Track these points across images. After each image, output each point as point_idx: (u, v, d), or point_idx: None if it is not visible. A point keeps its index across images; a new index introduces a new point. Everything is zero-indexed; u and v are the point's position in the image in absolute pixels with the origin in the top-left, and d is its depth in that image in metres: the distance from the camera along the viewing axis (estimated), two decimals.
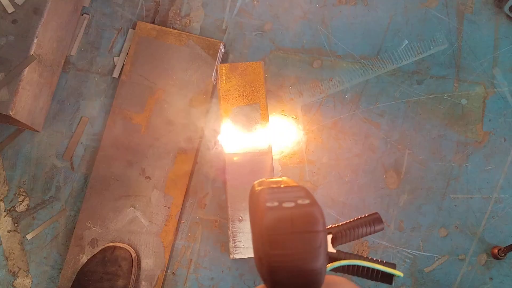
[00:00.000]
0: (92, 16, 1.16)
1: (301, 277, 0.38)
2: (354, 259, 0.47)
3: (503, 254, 1.05)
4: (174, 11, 1.16)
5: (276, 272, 0.38)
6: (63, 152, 1.10)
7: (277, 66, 1.14)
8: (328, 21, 1.15)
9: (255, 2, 1.16)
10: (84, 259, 1.04)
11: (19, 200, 1.08)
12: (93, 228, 1.05)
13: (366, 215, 0.52)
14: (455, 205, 1.09)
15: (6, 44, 0.97)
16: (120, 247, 1.01)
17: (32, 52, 0.97)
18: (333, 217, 1.08)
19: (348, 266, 0.48)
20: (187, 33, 1.13)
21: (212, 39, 1.12)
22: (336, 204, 1.09)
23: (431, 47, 1.14)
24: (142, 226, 1.06)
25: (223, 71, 1.05)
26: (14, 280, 1.06)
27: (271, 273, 0.38)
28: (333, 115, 1.12)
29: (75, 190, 1.09)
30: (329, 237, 0.49)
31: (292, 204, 0.39)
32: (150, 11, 1.16)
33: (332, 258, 0.48)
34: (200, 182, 1.10)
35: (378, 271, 0.47)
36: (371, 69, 1.14)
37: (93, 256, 1.00)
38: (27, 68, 0.97)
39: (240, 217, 1.00)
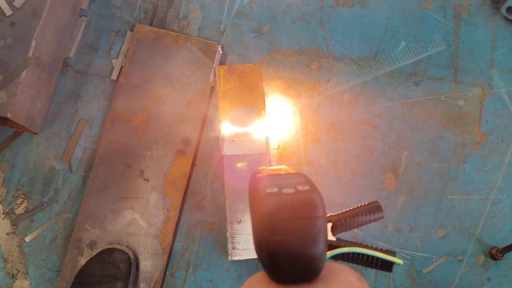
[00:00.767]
0: (90, 18, 1.16)
1: (300, 262, 0.38)
2: (354, 246, 0.47)
3: (501, 255, 1.05)
4: (172, 13, 1.16)
5: (276, 258, 0.38)
6: (62, 154, 1.11)
7: (275, 68, 1.14)
8: (326, 22, 1.16)
9: (253, 4, 1.16)
10: (82, 261, 1.04)
11: (18, 202, 1.09)
12: (91, 230, 1.05)
13: (366, 203, 0.52)
14: (453, 206, 1.09)
15: (4, 47, 0.97)
16: (118, 249, 1.01)
17: (30, 55, 0.97)
18: None
19: (348, 253, 0.48)
20: (185, 35, 1.13)
21: (210, 41, 1.12)
22: (334, 205, 1.09)
23: (429, 49, 1.14)
24: (140, 228, 1.06)
25: (221, 73, 1.05)
26: (13, 282, 1.06)
27: (271, 258, 0.38)
28: (331, 117, 1.12)
29: (73, 192, 1.09)
30: (329, 225, 0.49)
31: (292, 190, 0.39)
32: (148, 13, 1.16)
33: (331, 246, 0.48)
34: (199, 184, 1.10)
35: (378, 258, 0.47)
36: (369, 71, 1.14)
37: (92, 258, 1.00)
38: (25, 71, 0.97)
39: (239, 219, 1.00)
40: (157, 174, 1.08)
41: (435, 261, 1.07)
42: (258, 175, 0.45)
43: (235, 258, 0.99)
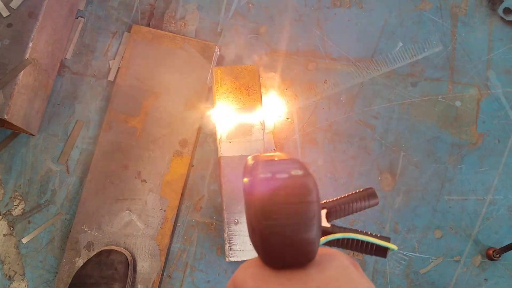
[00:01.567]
0: (87, 19, 1.16)
1: (294, 247, 0.37)
2: (348, 232, 0.47)
3: (498, 256, 1.05)
4: (169, 14, 1.16)
5: (269, 243, 0.37)
6: (59, 155, 1.10)
7: (272, 68, 1.14)
8: (323, 23, 1.16)
9: (250, 5, 1.16)
10: (80, 262, 1.04)
11: (15, 204, 1.08)
12: (88, 231, 1.05)
13: (361, 189, 0.51)
14: (450, 207, 1.09)
15: (1, 48, 0.97)
16: (116, 250, 1.01)
17: (27, 56, 0.97)
18: None
19: (342, 239, 0.47)
20: (182, 36, 1.13)
21: (208, 42, 1.12)
22: None
23: (426, 50, 1.15)
24: (138, 229, 1.06)
25: (219, 74, 1.05)
26: (10, 284, 1.06)
27: (264, 243, 0.38)
28: (328, 118, 1.12)
29: (70, 193, 1.09)
30: (324, 212, 0.49)
31: (286, 175, 0.39)
32: (145, 14, 1.16)
33: (326, 232, 0.47)
34: (196, 185, 1.10)
35: (372, 244, 0.47)
36: (366, 72, 1.14)
37: (89, 260, 1.00)
38: (22, 72, 0.97)
39: (236, 220, 1.00)
40: (154, 175, 1.08)
41: (432, 261, 1.08)
42: (252, 161, 0.45)
43: (233, 259, 0.99)
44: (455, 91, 1.13)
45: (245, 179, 0.43)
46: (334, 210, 0.49)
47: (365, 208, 0.51)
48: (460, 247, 1.08)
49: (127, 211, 1.06)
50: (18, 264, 1.07)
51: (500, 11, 1.14)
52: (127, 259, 1.01)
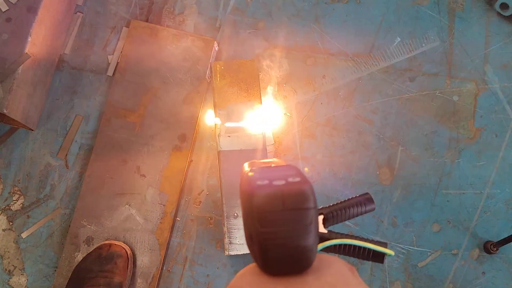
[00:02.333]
0: (85, 14, 1.16)
1: (292, 254, 0.38)
2: (345, 238, 0.47)
3: (496, 249, 1.06)
4: (167, 9, 1.16)
5: (267, 250, 0.37)
6: (58, 150, 1.11)
7: (270, 63, 1.14)
8: (321, 19, 1.16)
9: (249, 0, 1.16)
10: (79, 257, 1.04)
11: (14, 199, 1.08)
12: (88, 226, 1.05)
13: (358, 195, 0.52)
14: (447, 201, 1.10)
15: (0, 42, 0.97)
16: (115, 244, 1.01)
17: (26, 50, 0.97)
18: None
19: (340, 245, 0.48)
20: (181, 31, 1.13)
21: (206, 37, 1.13)
22: (331, 200, 1.09)
23: (423, 45, 1.15)
24: (137, 224, 1.06)
25: (217, 69, 1.05)
26: (10, 278, 1.06)
27: (262, 250, 0.38)
28: (327, 112, 1.13)
29: (70, 188, 1.09)
30: (321, 217, 0.49)
31: (283, 182, 0.39)
32: (144, 9, 1.16)
33: (323, 238, 0.48)
34: (195, 180, 1.10)
35: (369, 250, 0.47)
36: (364, 67, 1.14)
37: (89, 254, 1.00)
38: (21, 66, 0.97)
39: (235, 214, 1.00)
40: (153, 170, 1.08)
41: (430, 255, 1.08)
42: (249, 168, 0.45)
43: (232, 253, 0.99)
44: (453, 85, 1.14)
45: (242, 186, 0.43)
46: (331, 216, 0.50)
47: (361, 213, 0.51)
48: (458, 240, 1.09)
49: (127, 206, 1.06)
50: (17, 259, 1.07)
51: (497, 6, 1.15)
52: (127, 253, 1.01)
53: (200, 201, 1.09)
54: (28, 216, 1.08)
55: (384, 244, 0.47)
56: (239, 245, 1.00)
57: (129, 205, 1.06)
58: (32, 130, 1.09)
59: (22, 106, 1.01)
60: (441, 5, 1.16)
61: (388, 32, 1.16)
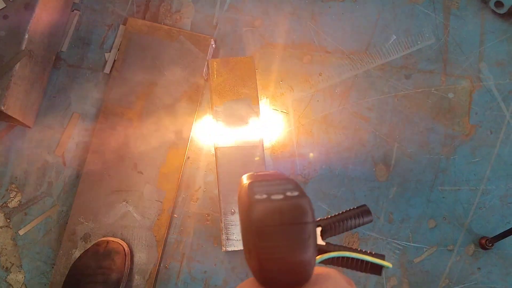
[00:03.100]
0: (82, 12, 1.16)
1: (290, 268, 0.38)
2: (343, 250, 0.48)
3: (491, 244, 1.07)
4: (164, 7, 1.16)
5: (266, 264, 0.38)
6: (55, 147, 1.11)
7: (267, 61, 1.15)
8: (317, 17, 1.17)
9: None
10: (77, 254, 1.04)
11: (11, 196, 1.08)
12: (85, 223, 1.06)
13: (355, 207, 0.52)
14: (443, 197, 1.11)
15: None
16: (113, 241, 1.01)
17: (23, 47, 0.97)
18: (324, 210, 1.09)
19: (338, 258, 0.48)
20: (178, 29, 1.13)
21: (203, 35, 1.13)
22: (327, 197, 1.10)
23: (419, 42, 1.16)
24: (134, 221, 1.06)
25: (214, 66, 1.06)
26: (7, 275, 1.06)
27: (260, 265, 0.38)
28: (323, 110, 1.13)
29: (67, 185, 1.09)
30: (318, 229, 0.50)
31: (281, 196, 0.39)
32: (141, 7, 1.16)
33: (321, 250, 0.48)
34: (192, 177, 1.11)
35: (367, 262, 0.48)
36: (360, 64, 1.15)
37: (86, 251, 1.00)
38: (18, 63, 0.97)
39: (233, 210, 1.01)
40: (150, 167, 1.08)
41: (426, 251, 1.09)
42: (247, 181, 0.45)
43: (229, 249, 1.00)
44: (448, 83, 1.15)
45: (240, 200, 0.43)
46: (329, 227, 0.50)
47: (359, 225, 0.52)
48: (454, 236, 1.10)
49: (124, 203, 1.07)
50: (15, 256, 1.07)
51: (491, 4, 1.16)
52: (124, 250, 1.01)
53: (197, 198, 1.10)
54: (25, 213, 1.08)
55: (381, 257, 0.48)
56: (236, 241, 1.00)
57: (126, 202, 1.07)
58: (29, 127, 1.09)
59: (20, 103, 1.01)
60: (436, 3, 1.17)
61: (384, 30, 1.16)
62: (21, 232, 1.07)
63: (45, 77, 1.10)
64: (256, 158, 1.03)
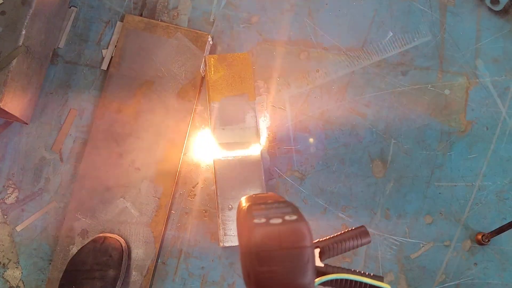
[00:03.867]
0: (80, 8, 1.16)
1: None
2: (342, 272, 0.48)
3: (487, 240, 1.07)
4: (161, 3, 1.16)
5: None
6: (52, 144, 1.11)
7: (264, 57, 1.15)
8: (314, 13, 1.17)
9: None
10: (74, 250, 1.04)
11: (8, 192, 1.08)
12: (83, 219, 1.06)
13: (353, 228, 0.52)
14: (439, 193, 1.11)
15: None
16: (110, 237, 1.01)
17: (20, 43, 0.97)
18: (321, 206, 1.09)
19: (336, 280, 0.48)
20: (175, 26, 1.13)
21: (200, 32, 1.13)
22: (324, 193, 1.10)
23: (415, 39, 1.16)
24: (132, 217, 1.06)
25: (212, 62, 1.06)
26: (4, 271, 1.06)
27: None
28: (320, 106, 1.14)
29: (64, 181, 1.09)
30: (317, 251, 0.50)
31: (280, 221, 0.40)
32: (138, 4, 1.16)
33: (320, 272, 0.48)
34: (190, 173, 1.11)
35: (365, 284, 0.48)
36: (357, 61, 1.16)
37: (83, 247, 1.00)
38: (15, 59, 0.97)
39: (230, 206, 1.01)
40: (148, 163, 1.08)
41: (422, 246, 1.09)
42: (246, 204, 0.45)
43: (227, 244, 1.00)
44: (444, 79, 1.15)
45: (239, 223, 0.43)
46: (327, 249, 0.50)
47: (357, 246, 0.52)
48: (450, 232, 1.10)
49: (121, 199, 1.07)
50: (12, 252, 1.07)
51: (487, 1, 1.16)
52: (122, 246, 1.02)
53: (195, 194, 1.10)
54: (22, 209, 1.08)
55: (380, 278, 0.48)
56: (233, 236, 1.00)
57: (123, 198, 1.07)
58: (27, 123, 1.09)
59: (17, 99, 1.01)
60: (432, 0, 1.18)
61: (381, 27, 1.17)
62: (18, 229, 1.07)
63: (42, 73, 1.10)
64: (253, 154, 1.03)
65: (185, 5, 1.17)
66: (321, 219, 1.09)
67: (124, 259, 1.01)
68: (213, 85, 1.05)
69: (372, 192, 1.11)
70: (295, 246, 0.38)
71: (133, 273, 1.04)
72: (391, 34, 1.17)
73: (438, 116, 1.14)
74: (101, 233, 1.05)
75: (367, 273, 0.48)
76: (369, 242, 0.52)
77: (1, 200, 1.08)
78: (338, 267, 0.48)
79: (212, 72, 1.05)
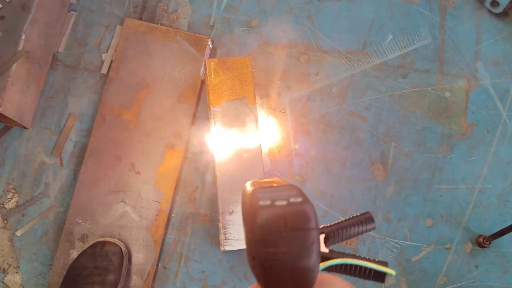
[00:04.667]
0: (79, 12, 1.16)
1: (294, 274, 0.38)
2: (346, 258, 0.48)
3: (488, 243, 1.07)
4: (161, 7, 1.16)
5: (270, 271, 0.38)
6: (52, 148, 1.11)
7: (264, 61, 1.15)
8: (314, 16, 1.17)
9: None
10: (74, 254, 1.04)
11: (8, 197, 1.08)
12: (83, 223, 1.05)
13: (358, 214, 0.52)
14: (440, 196, 1.11)
15: None
16: (110, 242, 1.01)
17: (20, 48, 0.97)
18: (322, 209, 1.09)
19: (341, 265, 0.48)
20: (175, 29, 1.13)
21: (200, 35, 1.13)
22: (325, 196, 1.10)
23: (415, 42, 1.16)
24: (132, 221, 1.06)
25: (212, 66, 1.06)
26: (4, 276, 1.06)
27: (264, 271, 0.38)
28: (320, 109, 1.14)
29: (64, 186, 1.09)
30: (322, 237, 0.50)
31: (285, 203, 0.39)
32: (138, 8, 1.16)
33: (324, 257, 0.48)
34: (190, 176, 1.11)
35: (370, 269, 0.48)
36: (357, 64, 1.15)
37: (84, 251, 1.00)
38: (15, 64, 0.97)
39: (231, 210, 1.01)
40: (148, 167, 1.08)
41: (423, 249, 1.09)
42: (250, 188, 0.45)
43: (228, 249, 1.00)
44: (445, 82, 1.15)
45: (244, 207, 0.43)
46: (332, 235, 0.50)
47: (362, 233, 0.52)
48: (451, 235, 1.10)
49: (121, 203, 1.07)
50: (12, 257, 1.07)
51: (487, 3, 1.16)
52: (122, 250, 1.01)
53: (195, 198, 1.10)
54: (22, 214, 1.08)
55: (385, 264, 0.48)
56: (234, 240, 1.00)
57: (124, 202, 1.07)
58: (26, 128, 1.09)
59: (16, 104, 1.01)
60: (432, 2, 1.18)
61: (380, 30, 1.17)
62: (18, 233, 1.07)
63: (42, 78, 1.10)
64: (254, 158, 1.03)
65: (185, 8, 1.17)
66: (322, 222, 1.09)
67: (124, 263, 1.01)
68: (213, 89, 1.05)
69: (373, 195, 1.11)
70: (300, 227, 0.38)
71: (134, 277, 1.04)
72: (391, 37, 1.16)
73: (439, 119, 1.14)
74: (101, 237, 1.05)
75: (372, 258, 0.48)
76: (374, 228, 0.52)
77: (1, 205, 1.08)
78: (343, 253, 0.48)
79: (212, 76, 1.05)
